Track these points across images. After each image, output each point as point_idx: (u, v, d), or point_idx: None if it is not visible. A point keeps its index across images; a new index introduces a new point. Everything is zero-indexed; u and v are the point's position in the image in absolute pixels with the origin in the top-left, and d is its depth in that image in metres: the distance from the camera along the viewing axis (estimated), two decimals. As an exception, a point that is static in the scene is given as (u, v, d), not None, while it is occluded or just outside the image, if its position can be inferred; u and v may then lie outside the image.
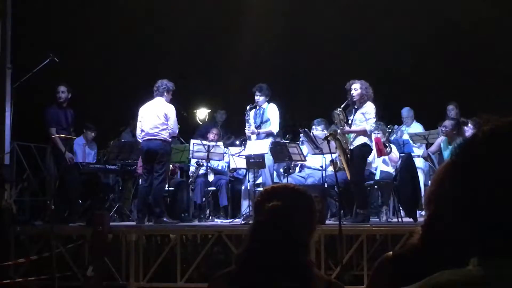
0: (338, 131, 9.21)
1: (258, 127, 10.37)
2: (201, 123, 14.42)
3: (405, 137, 11.48)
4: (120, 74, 14.07)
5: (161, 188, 9.82)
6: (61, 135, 10.08)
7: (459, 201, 1.20)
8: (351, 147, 9.19)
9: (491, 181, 1.16)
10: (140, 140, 9.97)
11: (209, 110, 14.39)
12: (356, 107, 9.28)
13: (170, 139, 9.97)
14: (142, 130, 9.86)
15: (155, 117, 9.78)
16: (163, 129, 9.72)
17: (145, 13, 13.89)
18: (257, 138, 10.34)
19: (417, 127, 11.93)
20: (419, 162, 10.89)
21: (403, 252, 2.51)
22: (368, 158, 9.76)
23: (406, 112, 12.18)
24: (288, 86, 14.39)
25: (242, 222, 9.23)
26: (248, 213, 9.50)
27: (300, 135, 10.92)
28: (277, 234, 2.30)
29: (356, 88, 9.23)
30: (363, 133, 9.18)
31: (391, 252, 2.46)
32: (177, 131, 10.17)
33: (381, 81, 12.57)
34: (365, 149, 9.26)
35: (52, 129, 10.29)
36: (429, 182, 10.96)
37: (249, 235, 2.38)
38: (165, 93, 9.93)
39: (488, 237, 1.17)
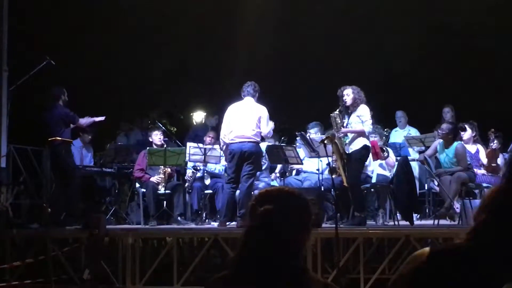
0: (336, 134, 9.21)
1: None
2: (197, 126, 14.43)
3: (400, 139, 11.52)
4: (116, 77, 14.09)
5: (251, 190, 9.60)
6: (58, 138, 10.05)
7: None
8: (348, 151, 9.19)
9: None
10: (227, 142, 9.68)
11: (206, 113, 14.40)
12: (350, 111, 9.30)
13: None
14: (231, 132, 9.61)
15: (248, 118, 9.59)
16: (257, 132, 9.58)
17: (142, 14, 13.89)
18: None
19: (412, 131, 11.99)
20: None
21: (442, 250, 2.47)
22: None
23: (399, 113, 12.24)
24: (285, 89, 14.41)
25: (238, 226, 9.22)
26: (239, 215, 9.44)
27: (297, 138, 10.93)
28: (269, 237, 2.29)
29: (348, 94, 9.25)
30: (362, 134, 9.18)
31: (427, 248, 2.42)
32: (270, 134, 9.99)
33: (378, 84, 12.62)
34: (365, 152, 9.27)
35: (79, 118, 10.35)
36: (425, 185, 11.02)
37: (242, 239, 2.37)
38: (257, 95, 9.80)
39: None
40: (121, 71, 14.09)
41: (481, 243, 2.20)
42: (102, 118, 10.65)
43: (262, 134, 9.60)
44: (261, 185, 10.65)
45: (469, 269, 2.22)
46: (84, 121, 10.52)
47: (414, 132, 11.99)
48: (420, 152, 10.72)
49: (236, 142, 9.48)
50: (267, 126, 9.62)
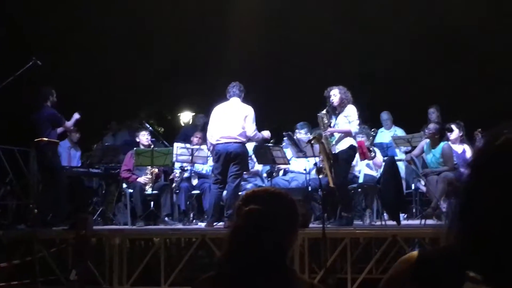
0: (323, 134, 9.22)
1: None
2: (186, 127, 14.42)
3: (386, 139, 11.55)
4: (103, 77, 14.05)
5: (238, 190, 9.61)
6: (44, 139, 10.02)
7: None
8: (334, 151, 9.20)
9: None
10: (213, 143, 9.67)
11: (194, 114, 14.37)
12: (337, 112, 9.31)
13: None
14: (217, 132, 9.61)
15: (234, 119, 9.59)
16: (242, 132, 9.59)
17: (129, 14, 13.86)
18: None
19: (398, 132, 12.03)
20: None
21: (431, 253, 2.47)
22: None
23: (385, 115, 12.28)
24: (272, 89, 14.42)
25: (225, 226, 9.22)
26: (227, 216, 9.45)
27: (284, 138, 10.94)
28: (254, 237, 2.29)
29: (335, 94, 9.26)
30: (349, 134, 9.20)
31: (416, 251, 2.42)
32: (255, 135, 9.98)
33: (365, 84, 12.65)
34: (351, 152, 9.28)
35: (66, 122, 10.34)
36: (412, 185, 11.06)
37: (227, 239, 2.38)
38: (242, 95, 9.79)
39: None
40: (109, 71, 14.04)
41: (466, 245, 2.21)
42: (77, 116, 10.68)
43: (247, 134, 9.58)
44: (248, 185, 10.66)
45: (458, 272, 2.23)
46: (70, 123, 10.51)
47: (400, 132, 12.03)
48: (406, 152, 10.76)
49: (222, 143, 9.50)
50: (252, 126, 9.61)
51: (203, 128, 12.39)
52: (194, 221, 10.87)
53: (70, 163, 11.84)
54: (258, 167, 11.13)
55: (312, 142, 9.06)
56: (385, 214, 9.89)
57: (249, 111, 9.59)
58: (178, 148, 10.73)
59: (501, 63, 12.88)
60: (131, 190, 10.58)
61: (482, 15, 12.63)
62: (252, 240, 2.29)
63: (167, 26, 13.93)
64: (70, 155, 12.01)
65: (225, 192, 9.65)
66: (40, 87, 10.38)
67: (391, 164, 9.64)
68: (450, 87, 13.72)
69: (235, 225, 2.40)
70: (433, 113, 11.59)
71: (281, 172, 11.19)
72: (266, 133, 10.14)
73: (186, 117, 15.79)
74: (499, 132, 1.18)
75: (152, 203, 10.52)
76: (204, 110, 13.47)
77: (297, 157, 10.53)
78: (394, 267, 2.46)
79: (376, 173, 10.60)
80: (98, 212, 11.02)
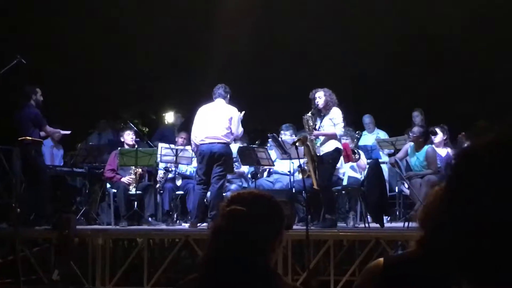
0: (308, 137, 9.24)
1: None
2: (164, 126, 14.38)
3: (369, 143, 11.59)
4: (88, 76, 13.99)
5: (222, 191, 9.65)
6: (28, 138, 9.95)
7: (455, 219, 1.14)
8: (319, 153, 9.22)
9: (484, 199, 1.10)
10: (197, 143, 9.68)
11: (179, 114, 14.33)
12: (322, 114, 9.33)
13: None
14: (201, 132, 9.61)
15: (219, 119, 9.61)
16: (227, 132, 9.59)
17: (116, 14, 13.81)
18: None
19: (381, 134, 12.08)
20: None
21: (396, 261, 2.50)
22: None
23: (367, 118, 12.32)
24: (258, 90, 14.42)
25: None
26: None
27: (269, 140, 10.95)
28: (236, 238, 2.28)
29: (320, 96, 9.29)
30: (333, 137, 9.22)
31: (381, 259, 2.45)
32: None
33: (349, 87, 12.69)
34: (336, 154, 9.31)
35: (48, 127, 10.29)
36: (396, 188, 11.10)
37: (209, 240, 2.37)
38: (228, 96, 9.80)
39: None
40: (95, 71, 13.99)
41: (431, 251, 2.24)
42: (68, 132, 10.75)
43: (236, 134, 9.65)
44: (233, 186, 10.67)
45: (422, 279, 2.26)
46: (51, 130, 10.45)
47: (383, 135, 12.07)
48: (389, 155, 10.81)
49: (206, 143, 9.51)
50: (238, 127, 9.65)
51: (181, 128, 12.42)
52: (177, 221, 10.84)
53: (53, 162, 11.77)
54: (244, 168, 11.13)
55: (297, 144, 9.08)
56: (368, 216, 9.92)
57: (233, 112, 9.63)
58: (163, 148, 10.71)
59: (484, 68, 12.98)
60: (114, 190, 10.55)
61: (465, 19, 12.70)
62: (232, 241, 2.28)
63: (151, 26, 13.90)
64: (52, 154, 11.95)
65: (209, 193, 9.65)
66: (25, 86, 10.32)
67: (375, 167, 9.67)
68: (433, 90, 13.78)
69: (216, 226, 2.39)
70: (417, 116, 11.64)
71: (265, 173, 11.20)
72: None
73: (170, 117, 15.75)
74: (482, 133, 1.18)
75: (135, 203, 10.49)
76: (189, 110, 13.47)
77: (281, 159, 10.55)
78: (362, 275, 2.50)
79: (360, 176, 10.63)
80: (81, 212, 10.98)
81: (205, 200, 9.73)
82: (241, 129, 9.80)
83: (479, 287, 1.11)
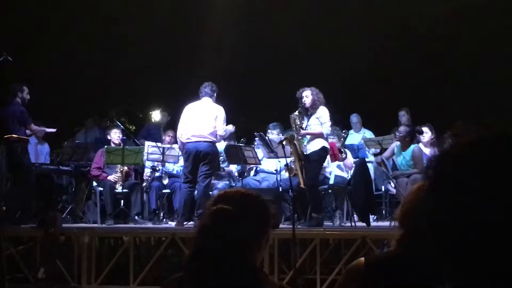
0: (295, 136, 9.25)
1: None
2: (149, 124, 14.35)
3: (355, 142, 11.62)
4: (75, 73, 13.94)
5: (208, 190, 9.67)
6: (14, 135, 9.91)
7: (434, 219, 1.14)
8: (306, 152, 9.23)
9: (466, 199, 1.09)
10: (183, 141, 9.68)
11: (166, 112, 14.31)
12: (309, 113, 9.35)
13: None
14: (187, 131, 9.60)
15: (205, 118, 9.60)
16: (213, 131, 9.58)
17: (102, 13, 13.77)
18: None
19: (367, 134, 12.11)
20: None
21: (377, 260, 2.52)
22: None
23: (354, 118, 12.35)
24: (245, 89, 14.43)
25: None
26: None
27: (256, 138, 10.95)
28: (221, 237, 2.28)
29: (307, 95, 9.31)
30: (320, 136, 9.24)
31: (362, 258, 2.46)
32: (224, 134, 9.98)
33: (337, 86, 12.71)
34: (323, 153, 9.32)
35: (32, 125, 10.25)
36: (382, 187, 11.13)
37: (194, 239, 2.37)
38: (215, 95, 9.80)
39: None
40: (83, 70, 13.95)
41: (411, 250, 2.26)
42: (53, 130, 10.70)
43: (218, 134, 9.62)
44: (220, 185, 10.67)
45: (403, 278, 2.28)
46: (36, 128, 10.42)
47: (369, 134, 12.10)
48: (375, 155, 10.83)
49: (192, 142, 9.51)
50: (223, 126, 9.65)
51: (168, 126, 12.42)
52: (164, 220, 10.84)
53: (37, 160, 11.70)
54: (232, 167, 11.13)
55: (284, 143, 9.09)
56: (355, 215, 9.94)
57: (220, 111, 9.63)
58: (150, 147, 10.70)
59: (470, 67, 13.04)
60: (101, 188, 10.52)
61: (448, 18, 12.77)
62: (218, 240, 2.28)
63: (138, 25, 13.87)
64: (37, 151, 11.89)
65: (196, 192, 9.65)
66: (11, 83, 10.28)
67: (361, 166, 9.69)
68: (418, 90, 13.84)
69: (202, 224, 2.39)
70: (403, 116, 11.67)
71: (252, 172, 11.20)
72: (230, 127, 10.14)
73: (157, 115, 15.71)
74: (462, 133, 1.18)
75: (122, 201, 10.46)
76: (175, 109, 13.44)
77: (268, 158, 10.55)
78: (344, 275, 2.52)
79: (346, 175, 10.66)
80: (67, 210, 10.93)
81: (192, 198, 9.72)
82: (224, 130, 9.74)
83: (460, 286, 1.11)
